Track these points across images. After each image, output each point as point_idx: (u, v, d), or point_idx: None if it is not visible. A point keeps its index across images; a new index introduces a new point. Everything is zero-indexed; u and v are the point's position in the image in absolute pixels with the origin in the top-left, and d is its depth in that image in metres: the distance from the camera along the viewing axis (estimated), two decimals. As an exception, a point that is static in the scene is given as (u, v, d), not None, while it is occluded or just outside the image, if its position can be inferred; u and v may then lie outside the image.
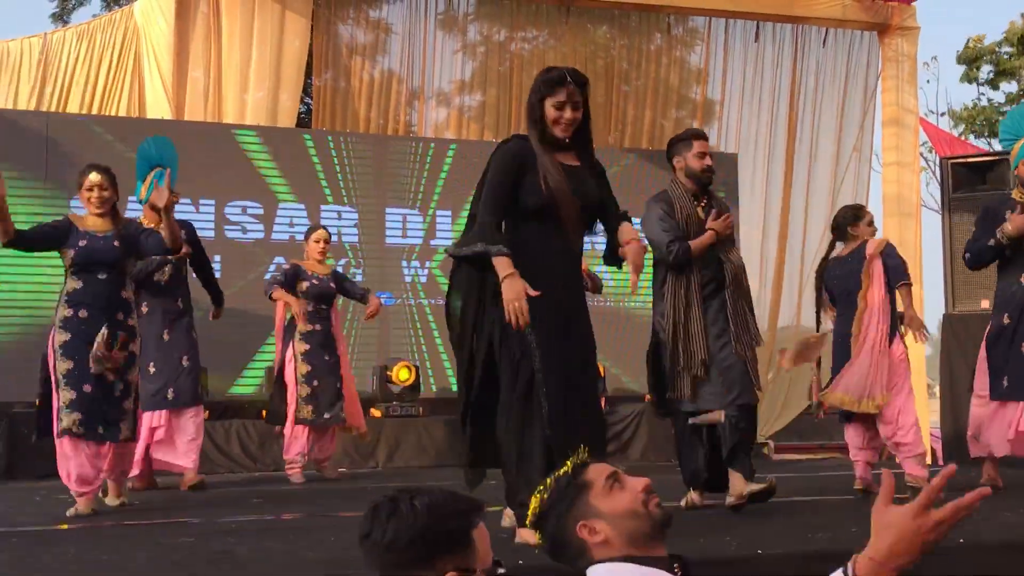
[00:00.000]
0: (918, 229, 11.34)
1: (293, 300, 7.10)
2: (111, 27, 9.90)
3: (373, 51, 10.77)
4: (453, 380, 9.55)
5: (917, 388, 7.24)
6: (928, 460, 7.58)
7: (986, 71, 19.30)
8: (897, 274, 5.72)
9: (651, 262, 5.00)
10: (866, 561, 1.83)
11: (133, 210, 7.19)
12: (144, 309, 6.25)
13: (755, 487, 4.78)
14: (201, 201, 9.22)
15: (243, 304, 9.05)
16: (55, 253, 5.20)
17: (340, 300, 7.60)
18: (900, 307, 5.79)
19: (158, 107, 9.72)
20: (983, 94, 19.49)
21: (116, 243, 5.13)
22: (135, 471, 6.12)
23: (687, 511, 4.96)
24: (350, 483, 7.06)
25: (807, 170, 11.56)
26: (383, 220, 9.79)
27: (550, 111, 3.94)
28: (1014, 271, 5.67)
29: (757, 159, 11.48)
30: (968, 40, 19.05)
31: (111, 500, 5.45)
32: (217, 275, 9.20)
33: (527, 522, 2.36)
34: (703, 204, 5.05)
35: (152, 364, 6.21)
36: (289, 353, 7.18)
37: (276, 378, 7.28)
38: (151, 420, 6.24)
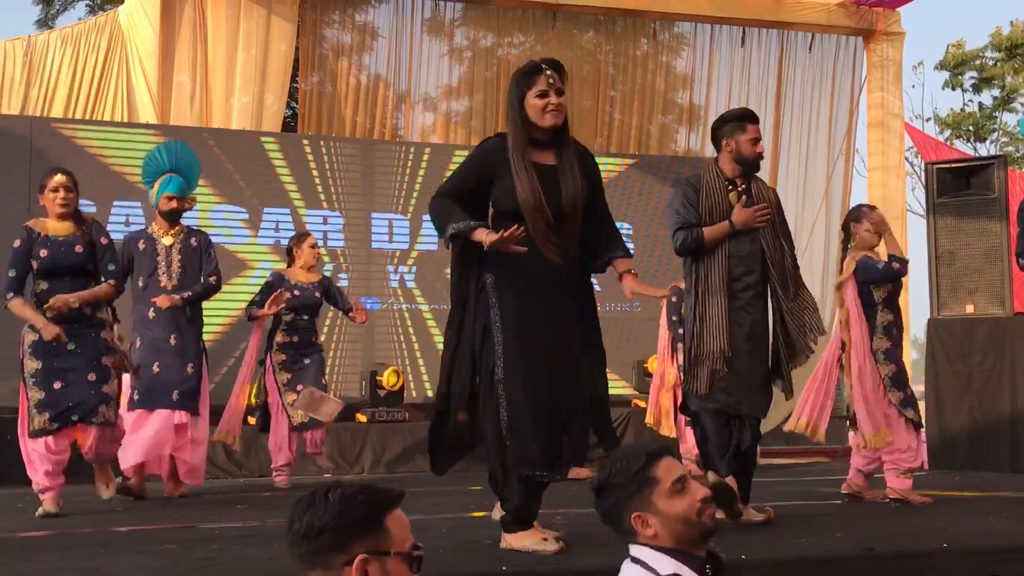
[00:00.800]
0: (903, 233, 11.37)
1: (266, 309, 6.83)
2: (96, 31, 9.85)
3: (359, 55, 10.76)
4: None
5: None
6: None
7: (969, 77, 19.41)
8: (875, 277, 5.63)
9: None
10: None
11: (128, 214, 7.14)
12: (151, 315, 6.11)
13: (755, 517, 4.55)
14: (186, 206, 9.17)
15: (227, 309, 9.03)
16: None
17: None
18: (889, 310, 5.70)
19: (144, 111, 9.68)
20: (969, 100, 19.61)
21: (78, 247, 5.22)
22: (163, 470, 6.22)
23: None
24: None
25: (793, 175, 11.59)
26: (369, 225, 9.76)
27: (535, 102, 3.81)
28: None
29: (743, 164, 11.48)
30: (948, 47, 19.17)
31: (105, 493, 5.53)
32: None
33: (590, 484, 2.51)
34: (740, 189, 4.71)
35: (157, 365, 6.04)
36: (268, 363, 7.12)
37: (259, 391, 7.23)
38: (175, 417, 6.04)
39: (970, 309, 7.78)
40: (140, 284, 6.12)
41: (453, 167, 9.36)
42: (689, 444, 7.88)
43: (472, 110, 11.01)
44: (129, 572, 3.65)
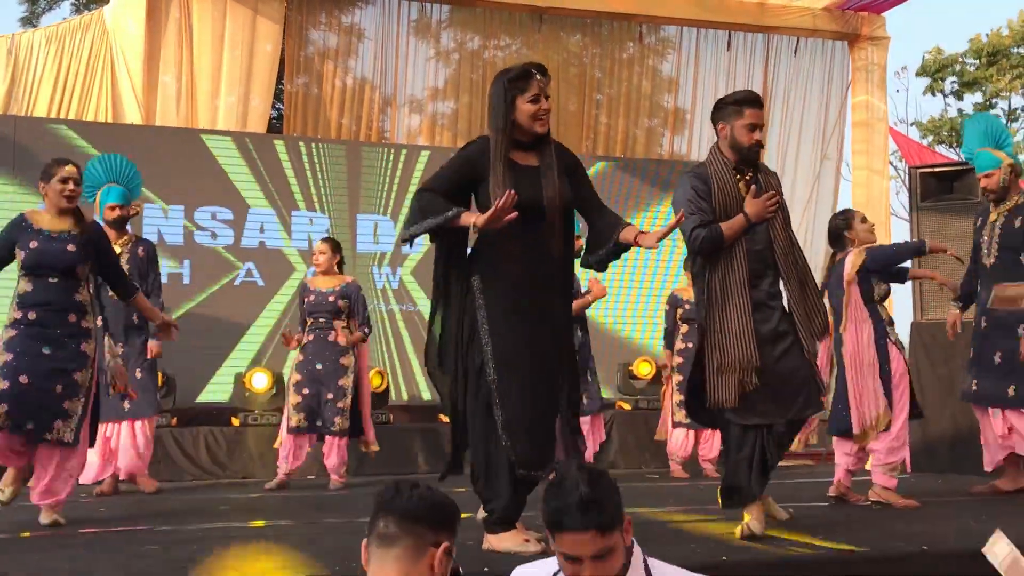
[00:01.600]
0: (887, 236, 11.42)
1: (295, 338, 7.05)
2: (81, 30, 9.82)
3: (346, 57, 10.75)
4: (423, 387, 9.54)
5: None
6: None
7: (950, 83, 19.53)
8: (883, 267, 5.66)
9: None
10: None
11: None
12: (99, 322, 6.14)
13: (779, 514, 4.41)
14: (171, 206, 9.17)
15: (212, 311, 9.02)
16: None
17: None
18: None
19: (129, 111, 9.66)
20: (949, 105, 19.73)
21: (71, 246, 4.84)
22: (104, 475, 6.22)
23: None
24: (319, 492, 7.01)
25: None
26: (354, 226, 9.76)
27: (527, 107, 3.83)
28: None
29: (728, 168, 11.52)
30: (924, 54, 19.30)
31: (43, 517, 4.90)
32: (186, 281, 9.18)
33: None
34: (747, 178, 4.34)
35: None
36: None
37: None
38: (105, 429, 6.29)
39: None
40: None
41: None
42: (674, 446, 7.90)
43: (458, 112, 11.01)
44: (112, 572, 3.64)
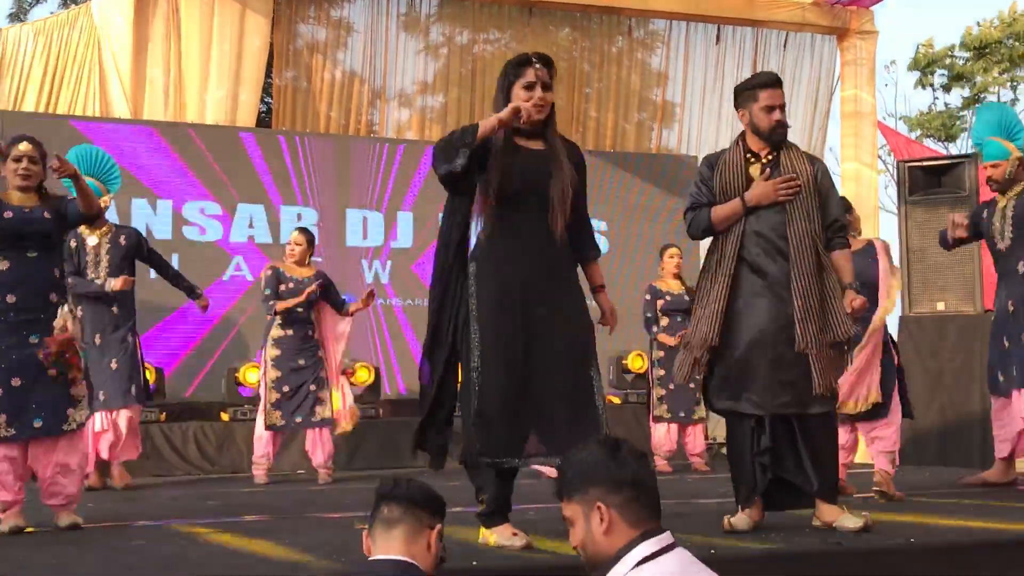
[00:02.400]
0: (876, 230, 11.44)
1: (296, 299, 7.03)
2: (69, 24, 9.79)
3: (335, 50, 10.72)
4: (413, 381, 9.53)
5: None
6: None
7: (940, 75, 19.55)
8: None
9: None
10: None
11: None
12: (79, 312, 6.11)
13: (850, 523, 4.00)
14: (159, 201, 9.14)
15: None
16: None
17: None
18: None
19: (117, 105, 9.62)
20: (936, 98, 19.75)
21: (46, 214, 4.57)
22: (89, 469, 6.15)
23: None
24: (308, 486, 7.02)
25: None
26: (344, 221, 9.75)
27: (520, 93, 3.84)
28: None
29: (718, 161, 11.54)
30: (917, 47, 19.30)
31: (61, 520, 4.56)
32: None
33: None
34: (765, 162, 4.24)
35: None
36: (261, 358, 7.15)
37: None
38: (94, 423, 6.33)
39: (941, 306, 7.85)
40: (69, 282, 5.82)
41: (427, 163, 9.45)
42: (657, 441, 7.89)
43: (447, 106, 11.00)
44: (99, 567, 3.63)
